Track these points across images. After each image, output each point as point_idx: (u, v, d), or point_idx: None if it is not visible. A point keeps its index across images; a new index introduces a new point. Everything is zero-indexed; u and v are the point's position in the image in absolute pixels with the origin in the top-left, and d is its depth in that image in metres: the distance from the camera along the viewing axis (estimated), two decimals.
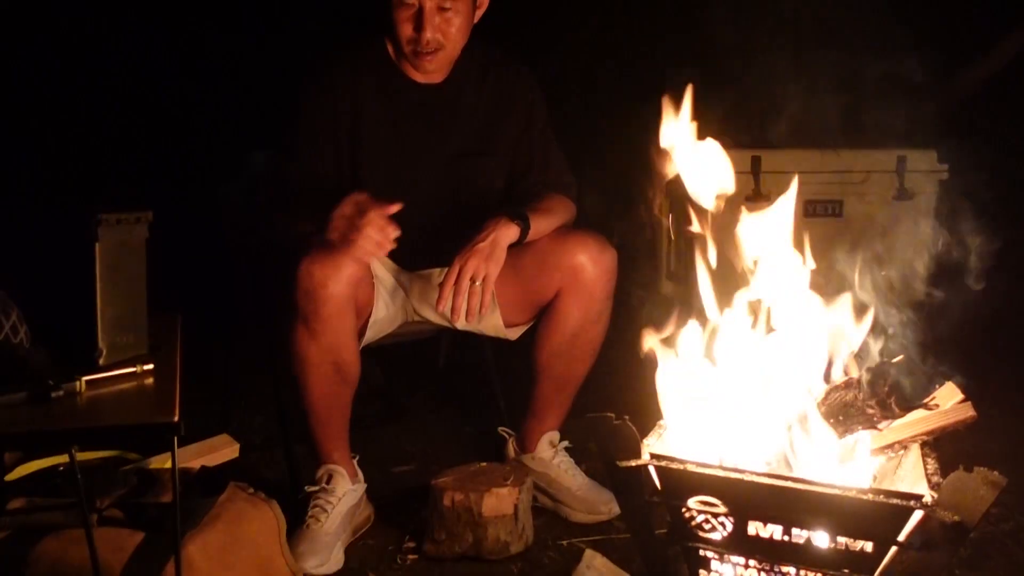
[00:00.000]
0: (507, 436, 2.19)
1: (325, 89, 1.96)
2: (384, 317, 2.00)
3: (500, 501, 1.86)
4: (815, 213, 2.90)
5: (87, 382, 1.41)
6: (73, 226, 1.49)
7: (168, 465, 1.54)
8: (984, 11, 3.37)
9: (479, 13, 1.94)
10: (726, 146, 1.59)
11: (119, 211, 1.49)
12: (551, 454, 2.10)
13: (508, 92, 2.05)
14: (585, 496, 2.06)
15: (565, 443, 2.14)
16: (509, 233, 1.86)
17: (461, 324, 2.03)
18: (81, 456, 1.57)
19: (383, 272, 2.01)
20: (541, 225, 1.94)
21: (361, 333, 1.95)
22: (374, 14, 1.92)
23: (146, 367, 1.48)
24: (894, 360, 1.28)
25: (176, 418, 1.28)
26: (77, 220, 1.49)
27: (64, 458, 1.63)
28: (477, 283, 1.80)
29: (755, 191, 2.86)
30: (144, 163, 3.86)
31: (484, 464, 2.00)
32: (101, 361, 1.46)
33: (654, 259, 3.22)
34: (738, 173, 2.96)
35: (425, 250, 2.03)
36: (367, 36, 2.00)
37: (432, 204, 2.00)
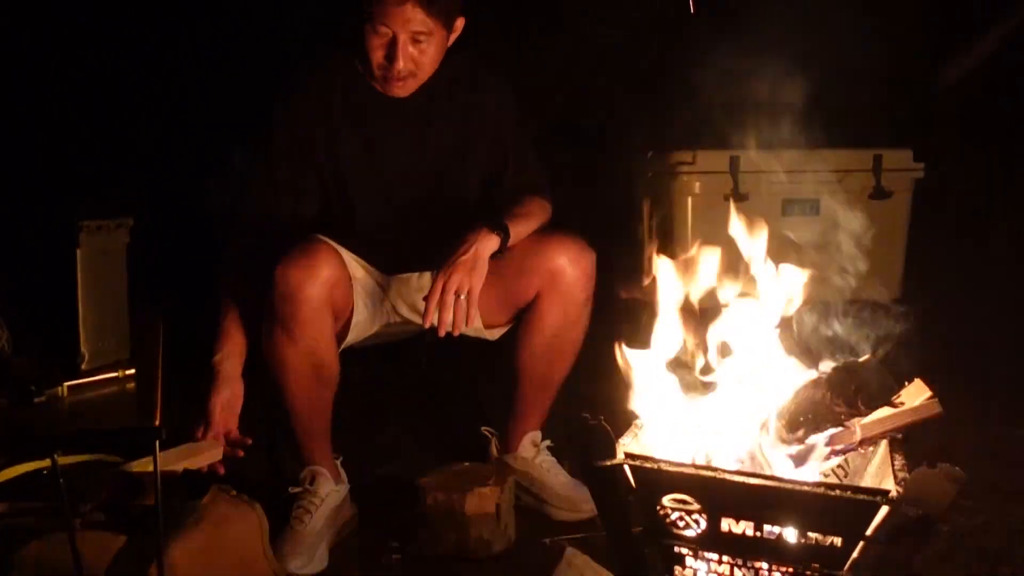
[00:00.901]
0: (490, 436, 2.21)
1: (297, 119, 1.95)
2: (365, 319, 2.01)
3: (483, 500, 1.88)
4: (792, 212, 2.95)
5: (69, 387, 1.44)
6: (54, 233, 1.50)
7: (150, 468, 1.55)
8: (965, 6, 3.41)
9: (454, 37, 1.93)
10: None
11: (100, 218, 1.51)
12: (533, 453, 2.12)
13: (479, 97, 2.05)
14: (567, 494, 2.09)
15: (547, 442, 2.16)
16: (490, 244, 1.87)
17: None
18: (63, 460, 1.58)
19: (362, 274, 2.02)
20: (520, 232, 1.95)
21: (343, 335, 1.97)
22: (344, 28, 1.92)
23: (128, 372, 1.50)
24: (861, 359, 1.31)
25: (157, 422, 1.30)
26: (58, 227, 1.51)
27: (47, 462, 1.64)
28: (462, 296, 1.81)
29: (734, 191, 2.91)
30: (130, 165, 3.85)
31: (467, 464, 2.01)
32: (83, 366, 1.49)
33: (634, 259, 3.25)
34: (717, 173, 3.04)
35: (405, 256, 2.05)
36: (333, 53, 1.98)
37: (410, 213, 2.02)
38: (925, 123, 3.38)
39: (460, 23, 1.92)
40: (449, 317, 1.79)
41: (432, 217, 2.01)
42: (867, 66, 3.15)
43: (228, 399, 1.83)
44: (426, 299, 1.81)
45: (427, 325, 1.82)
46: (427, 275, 2.04)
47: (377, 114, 1.98)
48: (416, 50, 1.85)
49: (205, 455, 1.71)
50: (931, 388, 1.41)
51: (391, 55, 1.84)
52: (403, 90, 1.92)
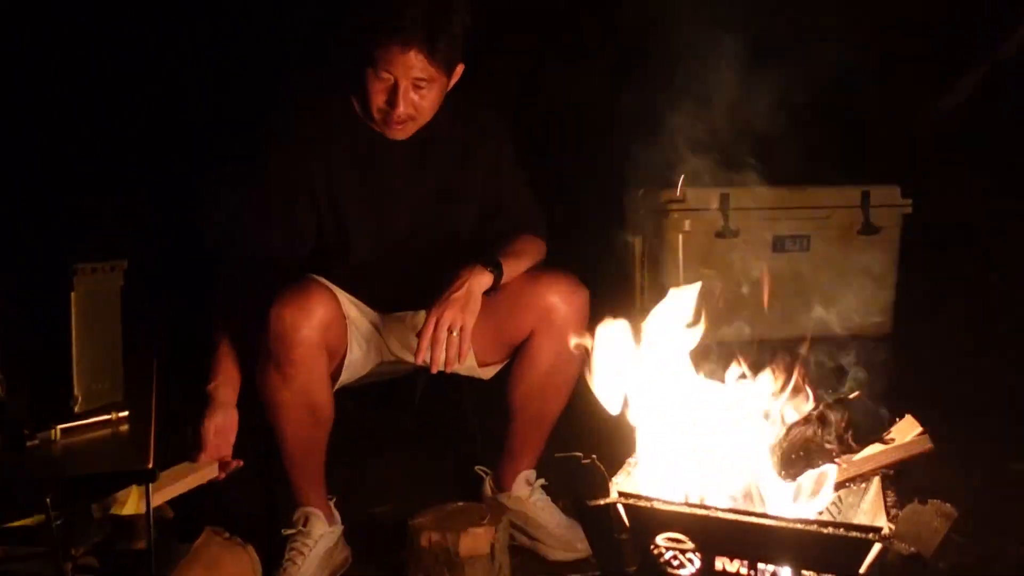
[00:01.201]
0: (484, 475, 2.21)
1: (295, 154, 1.95)
2: (359, 358, 2.02)
3: (477, 540, 1.87)
4: (784, 248, 2.97)
5: (62, 430, 1.43)
6: (48, 275, 1.51)
7: (141, 509, 1.55)
8: (947, 46, 3.47)
9: (453, 82, 1.94)
10: None
11: (94, 260, 1.51)
12: (527, 492, 2.12)
13: (475, 135, 2.06)
14: (562, 534, 2.08)
15: (541, 481, 2.15)
16: (483, 281, 1.88)
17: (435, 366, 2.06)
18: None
19: (356, 314, 2.03)
20: (513, 269, 1.96)
21: (336, 375, 1.97)
22: (342, 68, 1.94)
23: (121, 414, 1.50)
24: (851, 396, 1.32)
25: (150, 465, 1.30)
26: (52, 268, 1.51)
27: (42, 517, 1.63)
28: (454, 333, 1.81)
29: (724, 228, 2.93)
30: (126, 205, 3.85)
31: (461, 503, 2.00)
32: (76, 409, 1.48)
33: (627, 294, 3.26)
34: (707, 210, 3.07)
35: (399, 295, 2.06)
36: (331, 91, 1.99)
37: (406, 250, 2.03)
38: (915, 158, 3.42)
39: (460, 69, 1.93)
40: (441, 353, 1.80)
41: (426, 255, 2.03)
42: (855, 102, 3.20)
43: (222, 424, 1.81)
44: (419, 336, 1.82)
45: (419, 362, 1.83)
46: (421, 313, 2.04)
47: (374, 151, 1.99)
48: (417, 96, 1.87)
49: (201, 473, 1.69)
50: (922, 424, 1.42)
51: (392, 100, 1.85)
52: (402, 133, 1.94)
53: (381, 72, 1.84)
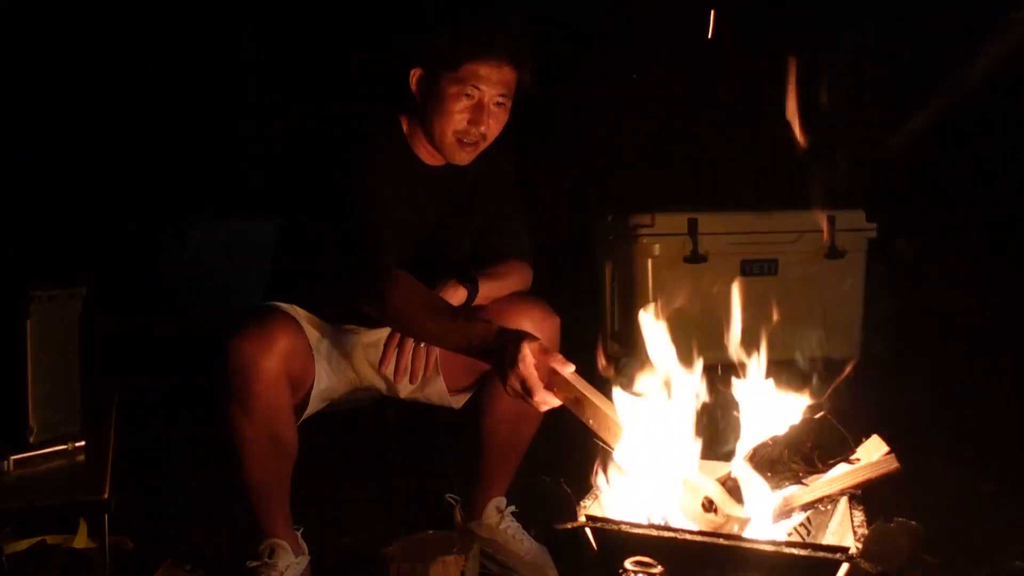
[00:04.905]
0: (454, 503, 2.19)
1: (370, 168, 1.89)
2: (327, 387, 1.98)
3: (447, 569, 1.84)
4: (752, 272, 3.00)
5: (16, 461, 1.39)
6: (4, 303, 1.48)
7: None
8: (914, 74, 3.55)
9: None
10: None
11: (52, 287, 1.49)
12: (498, 520, 2.10)
13: (488, 164, 2.05)
14: (533, 560, 2.05)
15: (512, 508, 2.13)
16: (456, 295, 1.87)
17: (405, 391, 2.03)
18: (13, 547, 1.54)
19: (321, 339, 2.00)
20: (491, 290, 1.95)
21: (303, 406, 1.94)
22: (394, 94, 1.92)
23: (78, 444, 1.46)
24: (817, 416, 1.32)
25: (106, 496, 1.27)
26: (8, 296, 1.48)
27: None
28: (421, 345, 1.79)
29: (693, 252, 2.95)
30: (84, 235, 3.80)
31: (431, 532, 1.98)
32: (31, 439, 1.44)
33: (598, 319, 3.27)
34: (676, 235, 3.10)
35: None
36: (383, 117, 1.98)
37: (408, 263, 2.00)
38: (880, 184, 3.48)
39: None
40: (407, 364, 1.77)
41: (425, 269, 2.00)
42: (824, 126, 3.25)
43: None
44: (385, 346, 1.79)
45: (383, 371, 1.80)
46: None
47: (410, 176, 1.97)
48: (493, 114, 1.89)
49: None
50: (888, 444, 1.43)
51: (476, 119, 1.86)
52: (470, 156, 1.93)
53: (470, 88, 1.85)
